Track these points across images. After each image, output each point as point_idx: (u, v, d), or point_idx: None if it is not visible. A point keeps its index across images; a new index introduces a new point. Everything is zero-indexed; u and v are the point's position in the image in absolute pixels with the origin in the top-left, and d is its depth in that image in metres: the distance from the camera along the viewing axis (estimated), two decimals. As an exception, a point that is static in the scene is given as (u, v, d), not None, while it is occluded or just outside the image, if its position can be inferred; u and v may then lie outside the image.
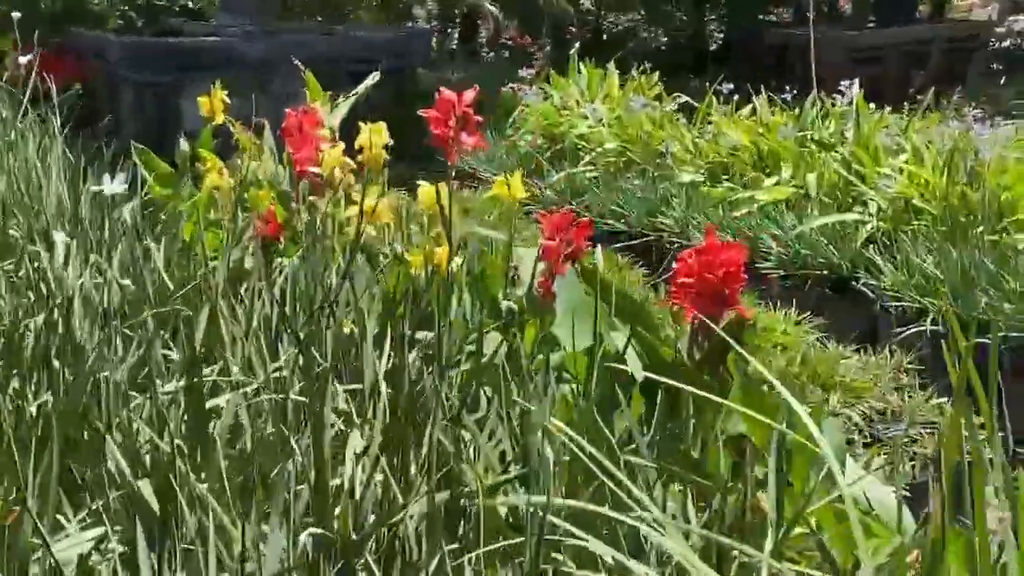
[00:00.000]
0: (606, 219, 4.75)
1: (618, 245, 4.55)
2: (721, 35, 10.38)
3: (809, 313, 3.55)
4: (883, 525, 2.01)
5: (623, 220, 4.69)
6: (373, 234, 3.10)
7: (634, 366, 2.44)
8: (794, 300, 3.83)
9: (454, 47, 8.68)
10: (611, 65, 5.99)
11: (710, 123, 4.89)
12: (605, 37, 10.34)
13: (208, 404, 1.94)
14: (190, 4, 8.79)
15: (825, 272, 3.82)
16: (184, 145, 4.33)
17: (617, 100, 5.52)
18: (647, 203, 4.61)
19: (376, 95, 6.84)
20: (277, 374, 2.19)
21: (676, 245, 4.39)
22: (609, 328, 2.53)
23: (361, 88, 4.72)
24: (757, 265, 3.99)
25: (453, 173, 2.63)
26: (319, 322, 2.40)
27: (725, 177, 4.56)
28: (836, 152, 4.15)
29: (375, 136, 3.58)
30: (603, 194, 4.83)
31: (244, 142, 3.74)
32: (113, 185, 2.03)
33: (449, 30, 9.21)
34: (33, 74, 4.52)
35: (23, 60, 4.00)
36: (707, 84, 5.65)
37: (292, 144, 3.39)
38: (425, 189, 3.31)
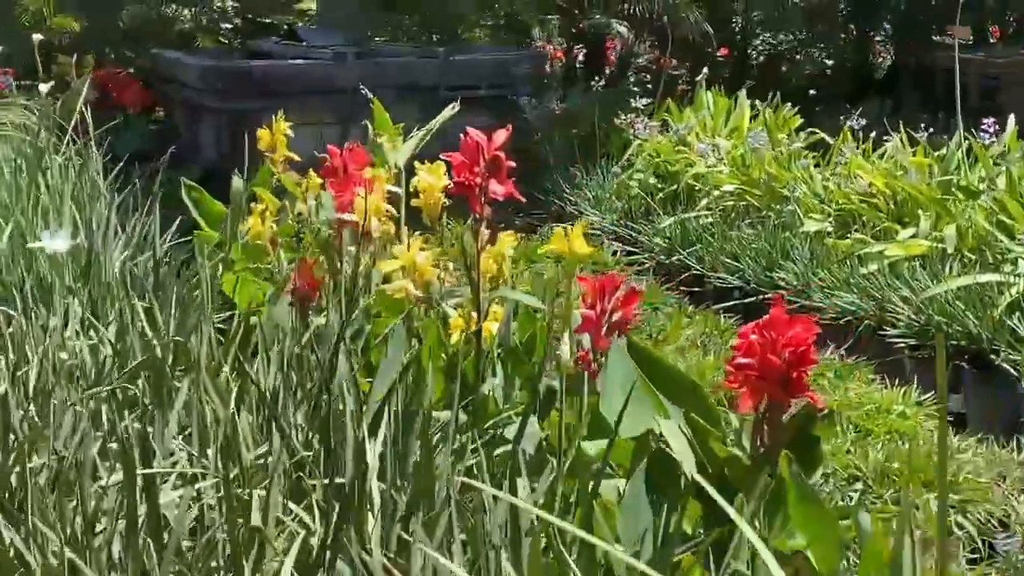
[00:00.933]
0: (718, 272, 4.59)
1: (726, 304, 4.38)
2: (891, 58, 10.10)
3: (930, 394, 3.34)
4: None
5: (738, 274, 4.52)
6: (413, 291, 2.98)
7: (685, 460, 2.28)
8: (923, 375, 3.63)
9: (580, 69, 8.57)
10: (742, 94, 5.81)
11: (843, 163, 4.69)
12: (761, 59, 10.15)
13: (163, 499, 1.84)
14: (298, 23, 8.84)
15: (962, 343, 3.60)
16: (238, 183, 4.29)
17: (745, 135, 5.34)
18: (764, 256, 4.43)
19: (475, 125, 6.79)
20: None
21: (796, 305, 4.20)
22: (661, 414, 2.38)
23: (436, 121, 4.63)
24: (883, 332, 3.78)
25: (484, 225, 2.52)
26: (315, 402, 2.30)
27: (856, 227, 4.36)
28: (982, 201, 3.92)
29: (432, 177, 3.48)
30: (716, 244, 4.66)
31: (287, 183, 3.67)
32: (54, 241, 1.94)
33: (577, 50, 9.11)
34: (80, 100, 4.53)
35: (44, 88, 3.97)
36: (863, 114, 5.46)
37: (333, 187, 3.30)
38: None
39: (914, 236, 4.08)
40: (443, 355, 2.71)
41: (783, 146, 4.89)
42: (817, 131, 5.29)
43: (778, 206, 4.64)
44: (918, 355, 3.72)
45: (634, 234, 5.17)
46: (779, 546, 2.02)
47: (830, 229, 4.39)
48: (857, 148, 4.80)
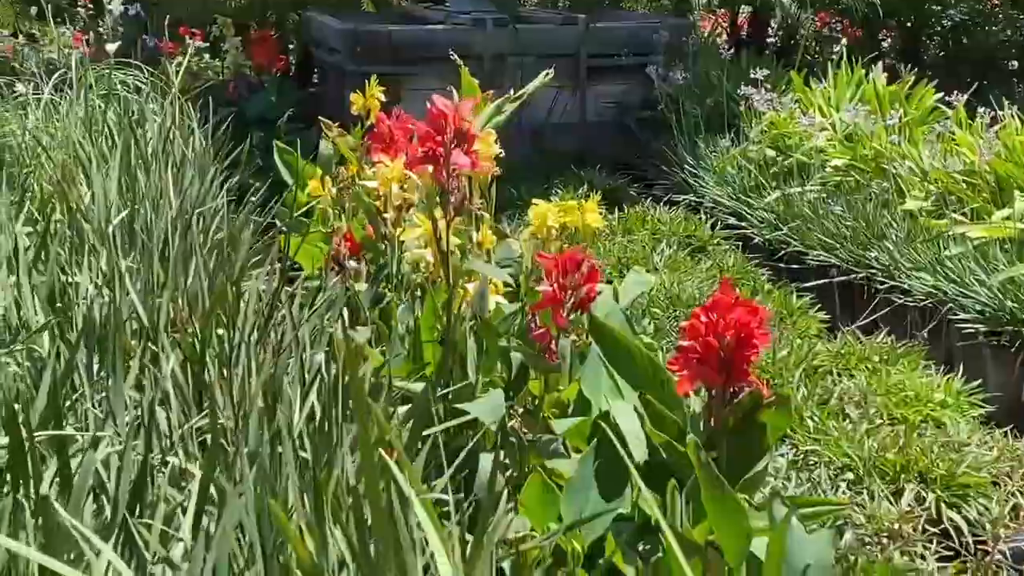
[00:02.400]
0: (816, 250, 4.46)
1: (818, 283, 4.26)
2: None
3: (976, 382, 3.20)
4: None
5: (836, 252, 4.39)
6: (431, 259, 2.94)
7: (634, 443, 2.24)
8: (998, 362, 3.49)
9: (741, 39, 8.41)
10: (877, 67, 5.62)
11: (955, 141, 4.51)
12: (940, 31, 9.82)
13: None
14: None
15: (1033, 330, 3.44)
16: (326, 147, 4.32)
17: (871, 109, 5.17)
18: (861, 234, 4.29)
19: (612, 93, 6.73)
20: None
21: (886, 286, 4.07)
22: (618, 395, 2.34)
23: (526, 90, 4.60)
24: (954, 317, 3.64)
25: (459, 198, 2.48)
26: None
27: (957, 206, 4.19)
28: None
29: (481, 146, 3.46)
30: (816, 220, 4.53)
31: (341, 147, 3.69)
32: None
33: (743, 20, 8.96)
34: (185, 61, 4.61)
35: (111, 48, 4.04)
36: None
37: (378, 153, 3.31)
38: (538, 208, 3.18)
39: (1008, 218, 3.90)
40: (438, 326, 2.70)
41: (887, 119, 4.71)
42: (940, 107, 5.09)
43: (882, 182, 4.49)
44: (994, 341, 3.57)
45: (745, 208, 5.06)
46: (696, 535, 1.97)
47: (929, 207, 4.23)
48: (972, 124, 4.61)
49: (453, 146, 2.36)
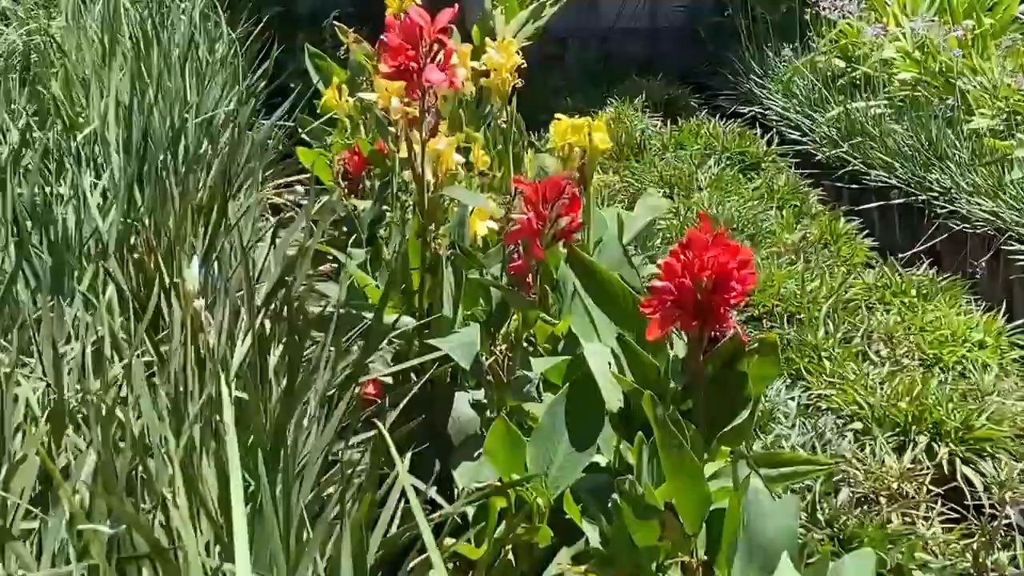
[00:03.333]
0: (876, 170, 4.27)
1: (870, 205, 4.08)
2: None
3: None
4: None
5: (896, 173, 4.19)
6: (430, 178, 2.81)
7: (609, 389, 2.10)
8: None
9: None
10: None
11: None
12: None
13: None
14: None
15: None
16: (359, 54, 4.19)
17: (944, 19, 4.93)
18: (920, 154, 4.09)
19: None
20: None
21: (945, 211, 3.88)
22: (595, 335, 2.21)
23: (569, -7, 4.44)
24: (1009, 248, 3.45)
25: (434, 119, 2.35)
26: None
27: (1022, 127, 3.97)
28: None
29: (502, 56, 3.34)
30: (878, 138, 4.33)
31: (356, 54, 3.56)
32: None
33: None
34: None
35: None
36: None
37: (387, 60, 3.16)
38: (558, 125, 3.04)
39: (1079, 140, 3.69)
40: (427, 252, 2.57)
41: (954, 30, 4.46)
42: (1021, 17, 4.83)
43: (947, 99, 4.27)
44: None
45: (808, 122, 4.86)
46: (659, 495, 1.84)
47: (996, 127, 4.01)
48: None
49: (427, 61, 2.21)
